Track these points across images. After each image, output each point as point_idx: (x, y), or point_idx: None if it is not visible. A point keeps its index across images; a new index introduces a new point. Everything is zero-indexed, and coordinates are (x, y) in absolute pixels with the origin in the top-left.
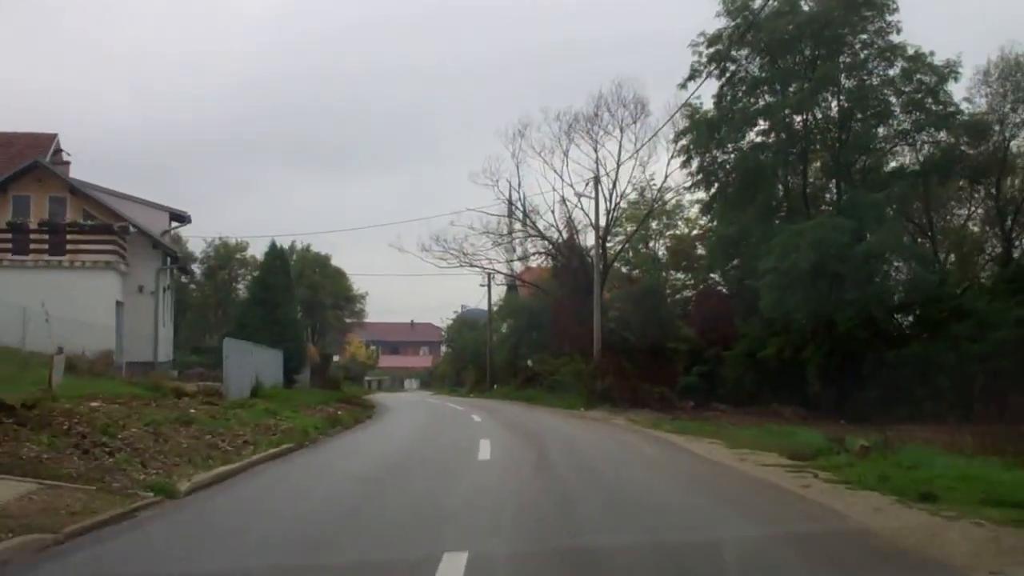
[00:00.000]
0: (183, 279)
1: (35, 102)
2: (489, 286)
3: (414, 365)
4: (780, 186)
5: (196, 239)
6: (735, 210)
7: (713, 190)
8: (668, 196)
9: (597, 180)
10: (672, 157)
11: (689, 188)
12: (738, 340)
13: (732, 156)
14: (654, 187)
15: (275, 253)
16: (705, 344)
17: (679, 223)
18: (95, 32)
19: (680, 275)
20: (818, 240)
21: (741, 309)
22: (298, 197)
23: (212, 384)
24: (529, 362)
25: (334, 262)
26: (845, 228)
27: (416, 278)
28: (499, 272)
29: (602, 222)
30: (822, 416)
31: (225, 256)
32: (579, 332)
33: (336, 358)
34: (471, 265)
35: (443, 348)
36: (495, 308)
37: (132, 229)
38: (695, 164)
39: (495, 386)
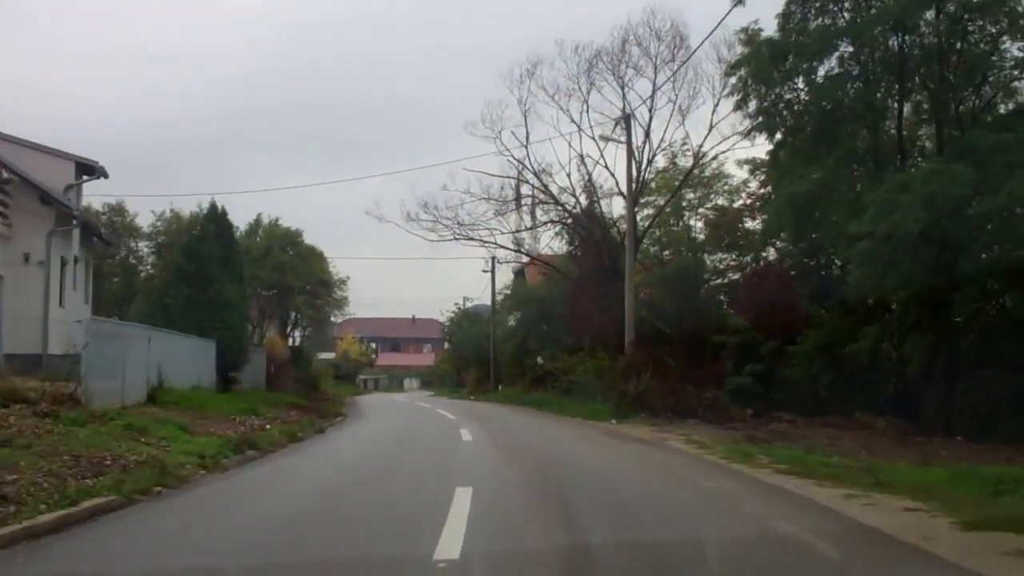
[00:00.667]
0: (130, 256)
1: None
2: (493, 269)
3: (416, 363)
4: (865, 130)
5: (145, 212)
6: (807, 163)
7: (777, 137)
8: (707, 159)
9: (628, 119)
10: (721, 98)
11: (748, 134)
12: (807, 331)
13: (803, 92)
14: (687, 152)
15: (212, 216)
16: (760, 337)
17: (717, 196)
18: (94, 30)
19: (722, 254)
20: (930, 195)
21: (808, 292)
22: (296, 192)
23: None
24: (539, 359)
25: (309, 240)
26: (965, 178)
27: (418, 272)
28: (502, 247)
29: (631, 181)
30: (925, 430)
31: (177, 231)
32: (601, 321)
33: (331, 355)
34: (468, 238)
35: (446, 345)
36: (500, 298)
37: (8, 176)
38: (753, 104)
39: (499, 387)
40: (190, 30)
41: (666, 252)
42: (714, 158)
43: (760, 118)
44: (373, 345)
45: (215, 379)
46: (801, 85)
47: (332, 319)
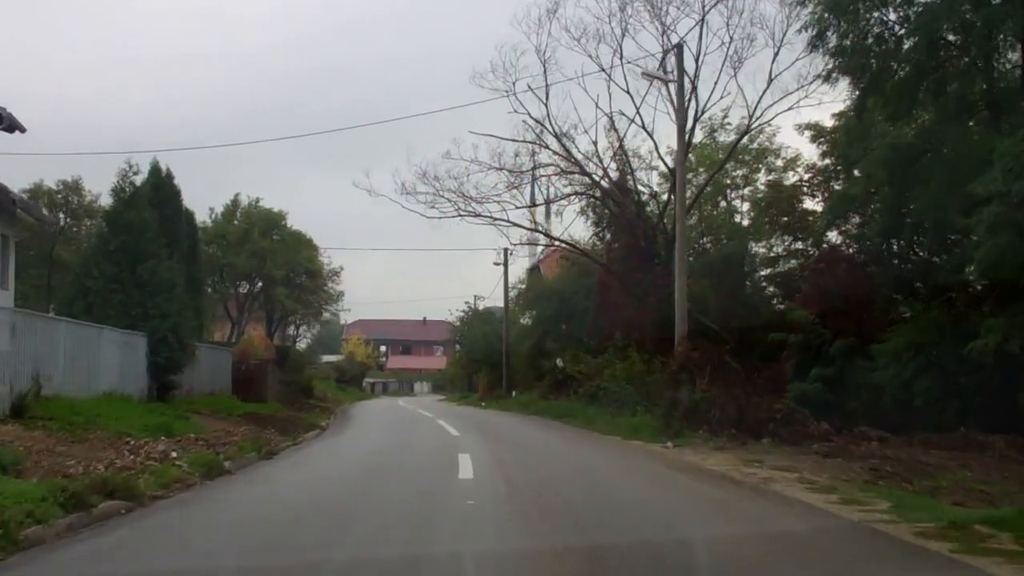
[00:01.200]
0: (86, 241)
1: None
2: (505, 261)
3: (427, 367)
4: (977, 70)
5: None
6: (902, 112)
7: (863, 82)
8: (760, 125)
9: (680, 50)
10: (782, 45)
11: (827, 77)
12: (889, 327)
13: (896, 25)
14: (729, 127)
15: (155, 180)
16: (828, 334)
17: (767, 173)
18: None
19: (772, 240)
20: None
21: (888, 280)
22: (295, 194)
23: None
24: (559, 362)
25: (295, 225)
26: None
27: (429, 273)
28: (516, 225)
29: (683, 130)
30: None
31: None
32: (635, 314)
33: (338, 357)
34: (475, 215)
35: (456, 347)
36: (514, 295)
37: None
38: (832, 42)
39: (513, 393)
40: (190, 32)
41: (704, 239)
42: (760, 130)
43: (840, 59)
44: (383, 348)
45: (148, 383)
46: (893, 17)
47: (330, 316)
